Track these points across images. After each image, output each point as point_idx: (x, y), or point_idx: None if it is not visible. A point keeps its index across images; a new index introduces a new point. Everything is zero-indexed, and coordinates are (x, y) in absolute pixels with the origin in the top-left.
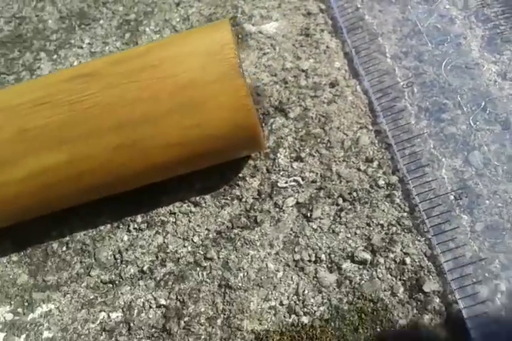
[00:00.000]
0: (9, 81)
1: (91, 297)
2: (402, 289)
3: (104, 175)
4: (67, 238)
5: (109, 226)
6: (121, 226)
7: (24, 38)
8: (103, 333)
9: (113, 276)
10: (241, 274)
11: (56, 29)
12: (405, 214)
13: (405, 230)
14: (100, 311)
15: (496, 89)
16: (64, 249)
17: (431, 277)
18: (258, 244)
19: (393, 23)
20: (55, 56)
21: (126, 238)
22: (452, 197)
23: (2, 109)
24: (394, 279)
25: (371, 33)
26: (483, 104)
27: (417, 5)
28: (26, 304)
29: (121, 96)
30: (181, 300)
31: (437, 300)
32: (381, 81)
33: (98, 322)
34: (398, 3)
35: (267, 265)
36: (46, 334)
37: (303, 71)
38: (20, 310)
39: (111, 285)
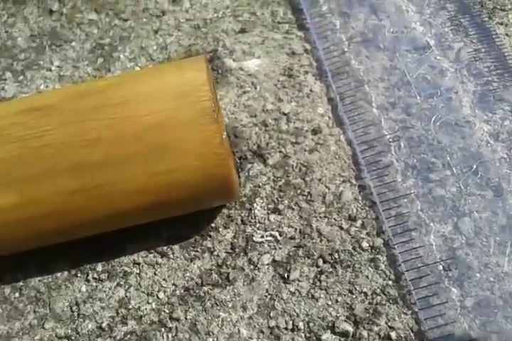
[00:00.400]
0: None
1: None
2: None
3: (58, 221)
4: (21, 283)
5: (66, 273)
6: (79, 275)
7: None
8: None
9: (69, 331)
10: (210, 339)
11: (25, 48)
12: (390, 282)
13: (390, 300)
14: None
15: (488, 150)
16: (17, 295)
17: None
18: (230, 305)
19: (381, 71)
20: (21, 77)
21: (84, 288)
22: (441, 268)
23: None
24: None
25: (357, 80)
26: (474, 166)
27: (406, 53)
28: None
29: (79, 135)
30: None
31: None
32: (366, 132)
33: None
34: (386, 49)
35: (239, 330)
36: None
37: (284, 114)
38: None
39: None
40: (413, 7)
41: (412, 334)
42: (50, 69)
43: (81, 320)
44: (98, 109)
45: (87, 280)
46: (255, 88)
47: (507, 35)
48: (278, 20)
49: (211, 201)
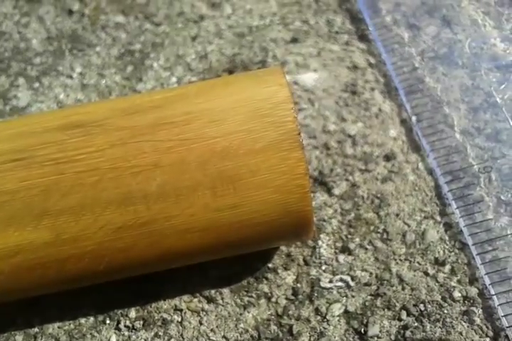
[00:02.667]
0: None
1: None
2: None
3: (96, 262)
4: (36, 329)
5: (92, 319)
6: (108, 322)
7: (0, 58)
8: None
9: None
10: None
11: (41, 51)
12: (488, 339)
13: None
14: None
15: None
16: None
17: None
18: None
19: (461, 91)
20: (36, 84)
21: (114, 338)
22: None
23: None
24: None
25: (434, 100)
26: None
27: (489, 71)
28: None
29: (131, 160)
30: None
31: None
32: (450, 160)
33: None
34: (466, 67)
35: None
36: None
37: (349, 136)
38: None
39: None
40: (490, 21)
41: None
42: (71, 77)
43: None
44: (156, 127)
45: (118, 329)
46: (313, 105)
47: None
48: (335, 30)
49: (283, 241)
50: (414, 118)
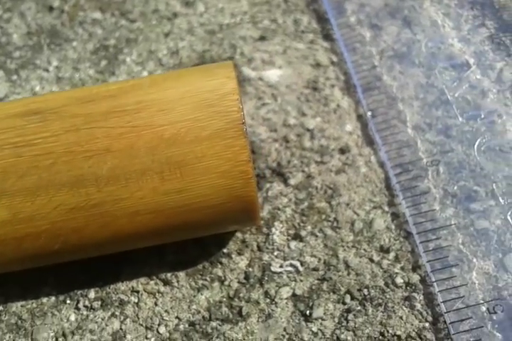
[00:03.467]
0: None
1: None
2: None
3: (51, 241)
4: (1, 308)
5: (53, 299)
6: (68, 301)
7: None
8: None
9: None
10: None
11: (21, 46)
12: (427, 324)
13: None
14: None
15: None
16: None
17: None
18: None
19: (416, 88)
20: (14, 76)
21: (73, 317)
22: (484, 309)
23: None
24: None
25: (390, 97)
26: None
27: (443, 70)
28: None
29: (84, 145)
30: None
31: None
32: (400, 154)
33: None
34: (422, 65)
35: None
36: None
37: (308, 130)
38: None
39: None
40: (450, 22)
41: None
42: (48, 70)
43: None
44: (108, 115)
45: (77, 308)
46: (276, 100)
47: None
48: (302, 29)
49: (229, 225)
50: (369, 113)
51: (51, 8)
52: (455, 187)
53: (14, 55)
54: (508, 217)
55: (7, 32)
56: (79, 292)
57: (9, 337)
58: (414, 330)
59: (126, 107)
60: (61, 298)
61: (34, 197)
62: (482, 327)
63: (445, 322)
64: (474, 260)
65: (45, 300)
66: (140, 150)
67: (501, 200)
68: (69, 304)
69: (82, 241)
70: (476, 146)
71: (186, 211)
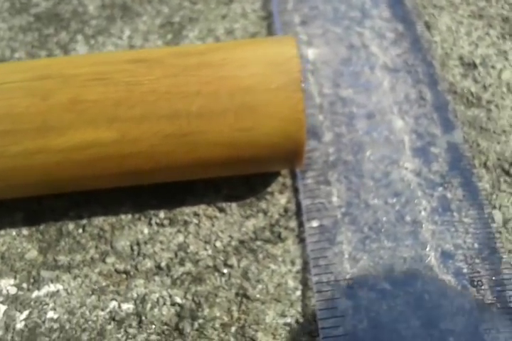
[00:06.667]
0: (40, 55)
1: (103, 284)
2: None
3: (147, 161)
4: (85, 221)
5: (130, 216)
6: (142, 219)
7: (61, 18)
8: (112, 322)
9: (128, 267)
10: (260, 286)
11: (96, 15)
12: None
13: None
14: (111, 300)
15: None
16: (80, 231)
17: None
18: (280, 259)
19: None
20: (92, 41)
21: (146, 231)
22: None
23: (54, 77)
24: None
25: None
26: None
27: None
28: (32, 280)
29: (180, 87)
30: (197, 301)
31: None
32: None
33: (108, 310)
34: None
35: (286, 281)
36: (51, 314)
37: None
38: (25, 285)
39: (125, 276)
40: None
41: None
42: (121, 38)
43: (141, 258)
44: (199, 67)
45: (150, 224)
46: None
47: None
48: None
49: (281, 163)
50: None
51: None
52: None
53: (91, 23)
54: None
55: (83, 3)
56: (151, 212)
57: (92, 243)
58: None
59: (213, 62)
60: (136, 216)
61: (139, 123)
62: None
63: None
64: None
65: (123, 216)
66: (222, 95)
67: None
68: (143, 221)
69: (169, 163)
70: None
71: (252, 146)
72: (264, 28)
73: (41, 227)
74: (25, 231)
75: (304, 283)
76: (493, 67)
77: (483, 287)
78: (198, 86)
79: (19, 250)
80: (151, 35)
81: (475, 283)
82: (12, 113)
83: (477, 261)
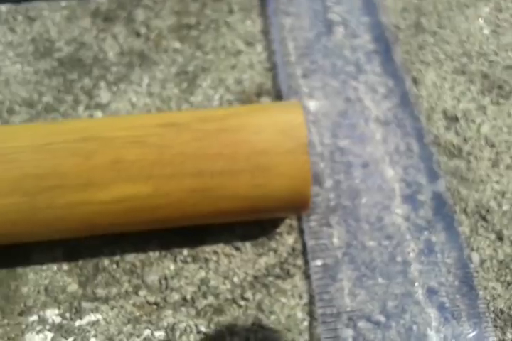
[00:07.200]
0: (67, 101)
1: (137, 314)
2: None
3: (175, 211)
4: (118, 257)
5: (157, 253)
6: (168, 256)
7: (84, 63)
8: None
9: (158, 299)
10: (272, 317)
11: (116, 62)
12: None
13: None
14: (145, 328)
15: None
16: (114, 266)
17: None
18: (289, 293)
19: None
20: (114, 88)
21: (172, 267)
22: None
23: (96, 138)
24: None
25: None
26: None
27: None
28: (74, 311)
29: (204, 150)
30: (219, 330)
31: None
32: None
33: (142, 337)
34: None
35: (295, 313)
36: (93, 340)
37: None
38: (68, 315)
39: (155, 307)
40: None
41: None
42: (141, 85)
43: (168, 291)
44: (220, 131)
45: (175, 261)
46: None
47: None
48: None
49: (290, 212)
50: None
51: (138, 34)
52: None
53: (112, 70)
54: None
55: (103, 49)
56: (176, 250)
57: (125, 278)
58: None
59: (231, 127)
60: (163, 253)
61: (170, 180)
62: None
63: None
64: None
65: (151, 253)
66: (240, 157)
67: None
68: (169, 258)
69: (193, 213)
70: None
71: (265, 199)
72: (269, 79)
73: (79, 263)
74: (65, 267)
75: (311, 315)
76: (473, 121)
77: (461, 319)
78: (219, 148)
79: (61, 283)
80: (167, 83)
81: (455, 316)
82: (59, 171)
83: (457, 296)
